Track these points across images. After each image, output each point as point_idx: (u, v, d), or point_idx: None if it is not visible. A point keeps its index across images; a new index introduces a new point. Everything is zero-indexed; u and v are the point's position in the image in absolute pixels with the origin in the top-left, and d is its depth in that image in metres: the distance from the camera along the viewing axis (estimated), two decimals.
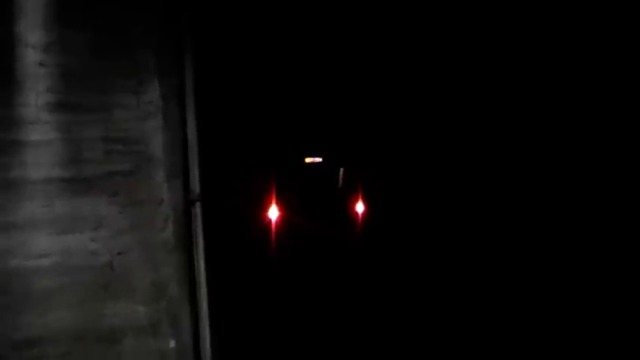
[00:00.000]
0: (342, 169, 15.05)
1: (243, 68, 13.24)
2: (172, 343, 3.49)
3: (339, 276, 11.04)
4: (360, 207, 14.59)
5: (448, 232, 12.12)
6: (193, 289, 3.78)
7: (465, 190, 12.41)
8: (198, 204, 3.94)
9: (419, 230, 12.92)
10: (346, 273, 11.32)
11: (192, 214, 3.88)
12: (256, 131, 14.31)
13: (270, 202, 13.97)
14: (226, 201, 12.80)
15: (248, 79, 13.70)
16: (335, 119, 14.98)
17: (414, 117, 14.35)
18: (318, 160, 15.13)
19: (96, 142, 3.31)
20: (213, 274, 4.04)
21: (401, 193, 14.32)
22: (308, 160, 15.14)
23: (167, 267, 3.58)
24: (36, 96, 3.11)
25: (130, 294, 3.41)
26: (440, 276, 9.88)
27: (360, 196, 14.59)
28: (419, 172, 14.09)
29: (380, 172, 14.69)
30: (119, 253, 3.38)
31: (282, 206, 14.06)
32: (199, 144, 3.95)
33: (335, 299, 9.31)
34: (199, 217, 3.94)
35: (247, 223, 13.29)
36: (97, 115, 3.33)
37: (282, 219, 13.98)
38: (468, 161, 12.29)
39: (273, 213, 13.94)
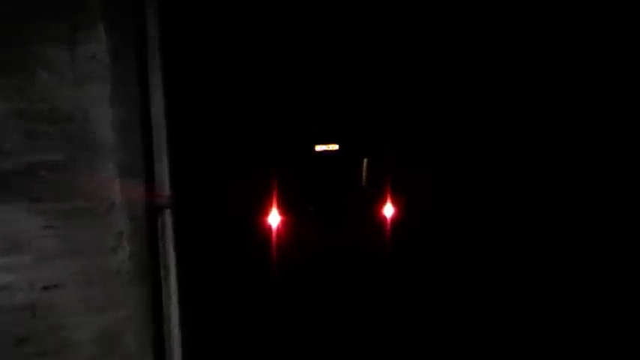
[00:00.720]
0: (365, 161, 14.63)
1: (234, 23, 13.09)
2: None
3: (359, 300, 11.30)
4: (388, 210, 14.27)
5: (504, 248, 12.52)
6: (160, 338, 3.49)
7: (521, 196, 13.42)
8: (167, 212, 3.64)
9: (468, 245, 13.00)
10: (370, 296, 11.50)
11: (158, 227, 3.60)
12: (250, 110, 14.06)
13: (270, 206, 13.72)
14: (209, 206, 12.89)
15: (241, 39, 13.54)
16: (355, 94, 14.86)
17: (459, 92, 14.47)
18: (333, 148, 14.87)
19: (7, 119, 2.91)
20: (191, 314, 3.81)
21: (447, 193, 14.06)
22: (319, 148, 14.85)
23: (121, 307, 3.28)
24: None
25: (62, 352, 2.99)
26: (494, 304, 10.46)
27: (389, 197, 14.33)
28: (474, 164, 14.16)
29: (418, 164, 14.51)
30: (46, 288, 3.06)
31: (285, 210, 13.93)
32: (169, 125, 3.65)
33: (353, 328, 9.78)
34: (169, 231, 3.65)
35: (239, 236, 13.18)
36: (8, 78, 2.93)
37: (285, 227, 13.78)
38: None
39: (274, 219, 13.81)
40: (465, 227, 13.63)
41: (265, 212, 13.76)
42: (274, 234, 13.68)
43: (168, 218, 3.65)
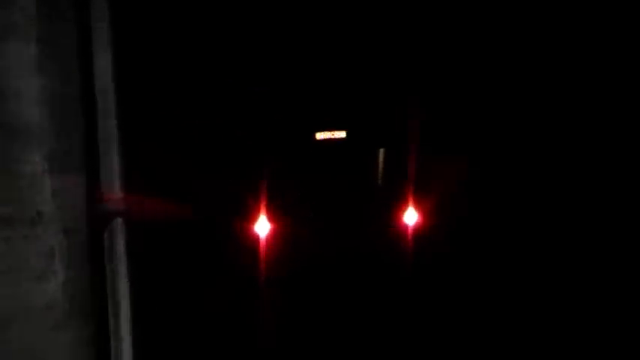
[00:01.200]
0: (381, 151, 14.43)
1: None
2: None
3: (372, 338, 11.41)
4: (410, 217, 14.06)
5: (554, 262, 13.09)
6: None
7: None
8: (118, 221, 3.57)
9: (514, 265, 13.21)
10: (386, 332, 11.59)
11: (105, 243, 3.54)
12: (232, 87, 13.81)
13: (258, 211, 13.57)
14: (175, 213, 12.81)
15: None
16: (366, 65, 14.61)
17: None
18: (339, 135, 14.65)
19: None
20: None
21: (488, 195, 13.91)
22: (320, 135, 14.68)
23: (51, 358, 3.16)
24: None
25: None
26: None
27: (412, 199, 14.09)
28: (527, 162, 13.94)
29: (450, 156, 14.26)
30: None
31: (276, 217, 13.75)
32: (121, 102, 3.56)
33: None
34: (121, 248, 3.58)
35: (216, 251, 12.93)
36: None
37: (277, 239, 13.58)
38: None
39: (262, 228, 13.58)
40: (512, 241, 13.78)
41: (251, 219, 13.57)
42: (262, 247, 13.50)
43: (119, 230, 3.57)
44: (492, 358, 10.22)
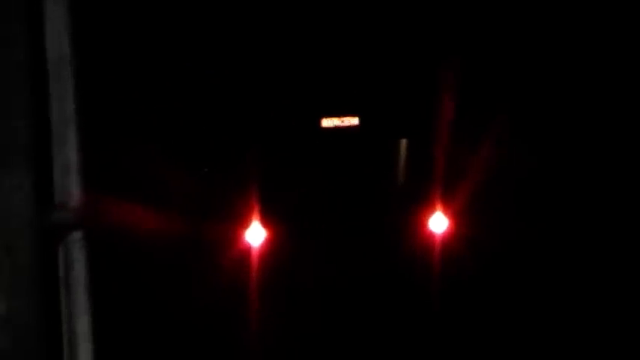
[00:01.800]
0: (403, 142, 14.40)
1: None
2: None
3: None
4: (438, 222, 14.01)
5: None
6: None
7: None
8: (75, 235, 3.35)
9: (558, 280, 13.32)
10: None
11: (60, 262, 3.33)
12: (221, 65, 13.84)
13: (250, 215, 13.60)
14: (146, 221, 12.80)
15: None
16: (383, 41, 14.44)
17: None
18: (351, 122, 14.66)
19: None
20: None
21: (532, 195, 13.91)
22: (327, 123, 14.59)
23: None
24: None
25: None
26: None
27: (440, 200, 14.05)
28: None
29: (487, 149, 14.21)
30: None
31: (273, 220, 13.70)
32: (81, 80, 3.33)
33: None
34: (79, 268, 3.35)
35: (200, 266, 12.90)
36: None
37: (272, 248, 13.60)
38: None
39: (255, 235, 13.54)
40: (556, 252, 13.84)
41: (242, 226, 13.62)
42: (255, 260, 13.53)
43: (77, 246, 3.34)
44: None
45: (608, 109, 14.58)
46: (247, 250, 13.55)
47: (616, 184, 14.27)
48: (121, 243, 11.11)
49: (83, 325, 3.40)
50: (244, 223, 13.65)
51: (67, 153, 3.37)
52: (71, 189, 3.37)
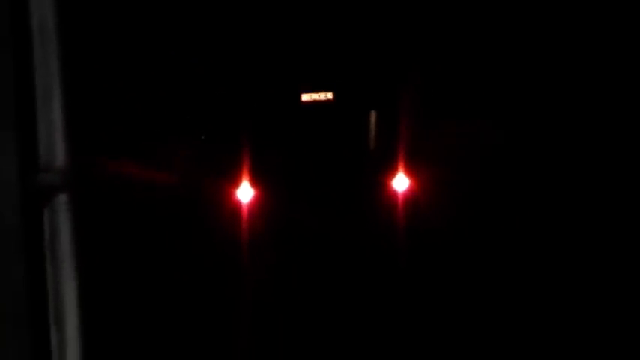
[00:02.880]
0: (372, 113, 14.02)
1: None
2: None
3: (356, 304, 11.74)
4: (400, 181, 13.64)
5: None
6: None
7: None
8: (61, 198, 2.75)
9: (506, 233, 13.09)
10: (371, 298, 11.88)
11: (45, 227, 2.74)
12: (206, 39, 13.43)
13: (241, 175, 13.23)
14: (140, 178, 12.37)
15: None
16: (356, 20, 14.05)
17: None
18: (327, 96, 14.20)
19: None
20: None
21: (488, 160, 13.61)
22: (306, 97, 14.13)
23: None
24: None
25: None
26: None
27: (403, 164, 13.68)
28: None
29: (447, 118, 13.93)
30: None
31: (260, 180, 13.36)
32: (64, 36, 2.72)
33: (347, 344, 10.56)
34: (65, 234, 2.75)
35: (196, 220, 12.67)
36: None
37: (259, 204, 13.24)
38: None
39: (244, 193, 13.17)
40: (507, 208, 13.55)
41: (234, 185, 13.29)
42: (245, 215, 13.15)
43: (64, 210, 2.73)
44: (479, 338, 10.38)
45: (570, 85, 14.00)
46: (238, 205, 13.24)
47: (570, 160, 13.86)
48: (111, 204, 10.48)
49: (70, 290, 2.73)
50: (236, 184, 13.31)
51: (52, 114, 2.69)
52: (57, 150, 2.72)
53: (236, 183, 13.28)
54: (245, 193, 13.26)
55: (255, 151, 13.51)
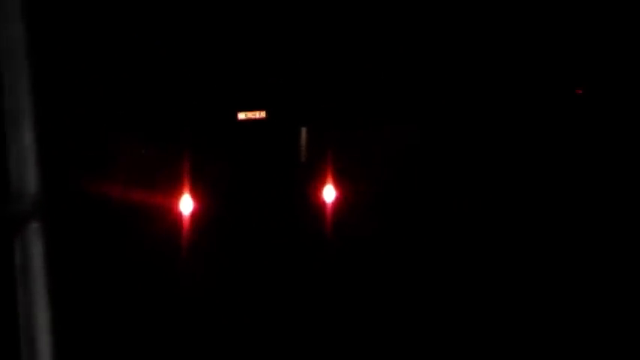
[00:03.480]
0: (302, 130, 13.72)
1: None
2: None
3: (290, 307, 11.50)
4: (329, 191, 13.33)
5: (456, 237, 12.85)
6: None
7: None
8: (33, 225, 2.44)
9: (429, 238, 12.89)
10: (304, 301, 11.66)
11: (16, 259, 2.44)
12: (151, 67, 12.94)
13: (182, 187, 12.80)
14: (103, 211, 11.80)
15: None
16: (286, 44, 13.71)
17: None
18: (260, 115, 13.81)
19: None
20: None
21: (408, 171, 13.33)
22: (241, 115, 13.77)
23: None
24: None
25: None
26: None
27: (331, 175, 13.37)
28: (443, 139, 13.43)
29: (370, 133, 13.63)
30: None
31: (200, 192, 12.87)
32: (35, 55, 2.42)
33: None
34: (38, 263, 2.44)
35: (140, 232, 12.21)
36: None
37: (199, 214, 12.79)
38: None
39: (185, 204, 12.71)
40: (428, 213, 13.38)
41: (175, 197, 12.81)
42: (186, 225, 12.71)
43: (34, 238, 2.41)
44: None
45: (483, 86, 13.67)
46: (179, 216, 12.86)
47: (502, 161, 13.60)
48: (83, 230, 9.97)
49: (42, 317, 2.42)
50: (177, 195, 12.82)
51: (22, 141, 2.39)
52: (27, 178, 2.41)
53: (177, 195, 12.93)
54: (186, 204, 12.90)
55: (196, 165, 13.14)
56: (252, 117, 13.87)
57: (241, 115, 13.84)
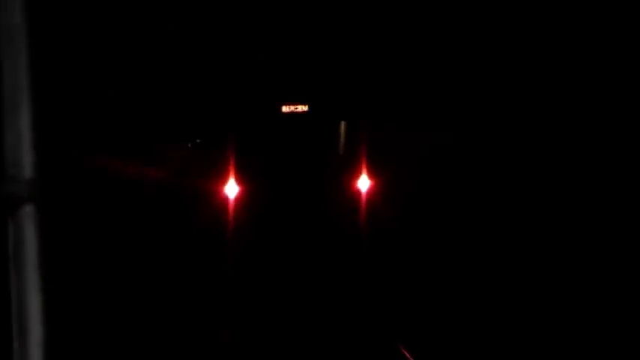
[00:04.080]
0: (341, 123, 13.54)
1: None
2: None
3: (327, 283, 11.16)
4: (363, 181, 13.12)
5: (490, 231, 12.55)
6: None
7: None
8: (26, 210, 2.16)
9: (453, 229, 12.77)
10: (339, 279, 11.32)
11: (10, 238, 2.15)
12: (199, 58, 12.85)
13: (228, 173, 12.67)
14: (103, 191, 11.59)
15: None
16: (329, 44, 13.54)
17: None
18: (303, 108, 13.62)
19: None
20: None
21: (439, 164, 13.16)
22: (286, 109, 13.55)
23: None
24: None
25: None
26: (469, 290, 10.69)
27: (365, 165, 13.20)
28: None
29: (405, 128, 13.44)
30: None
31: (244, 178, 12.78)
32: (33, 37, 2.14)
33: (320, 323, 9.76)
34: (31, 245, 2.16)
35: (189, 212, 12.11)
36: None
37: (244, 198, 12.62)
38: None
39: (231, 189, 12.59)
40: (452, 208, 13.30)
41: (223, 182, 12.78)
42: (231, 206, 12.62)
43: (28, 221, 2.14)
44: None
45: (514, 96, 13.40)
46: (226, 199, 12.67)
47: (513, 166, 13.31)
48: (78, 214, 9.58)
49: (33, 304, 2.19)
50: (224, 181, 12.71)
51: (19, 123, 2.14)
52: (23, 160, 2.20)
53: (224, 180, 12.76)
54: (231, 189, 12.74)
55: (243, 152, 12.98)
56: (296, 110, 13.79)
57: (285, 108, 13.76)
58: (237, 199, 12.75)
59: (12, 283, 2.13)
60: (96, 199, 11.08)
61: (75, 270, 8.60)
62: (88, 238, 10.32)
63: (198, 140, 13.24)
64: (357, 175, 13.29)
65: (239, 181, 12.89)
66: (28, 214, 2.11)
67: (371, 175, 13.36)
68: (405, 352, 9.02)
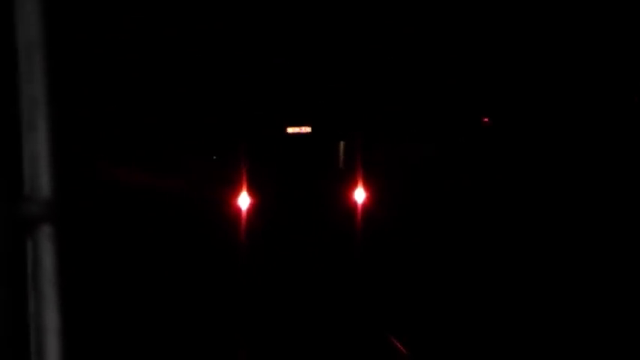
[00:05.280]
0: (340, 143, 13.26)
1: None
2: None
3: (326, 288, 10.82)
4: (359, 193, 12.83)
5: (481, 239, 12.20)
6: None
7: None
8: (46, 229, 1.83)
9: (444, 236, 12.50)
10: (337, 283, 11.04)
11: (29, 260, 1.85)
12: (214, 83, 12.73)
13: (241, 187, 12.39)
14: (119, 210, 11.04)
15: None
16: (329, 74, 13.32)
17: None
18: (306, 130, 13.35)
19: None
20: None
21: (427, 179, 12.87)
22: (291, 130, 13.27)
23: None
24: None
25: None
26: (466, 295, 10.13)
27: (362, 181, 12.91)
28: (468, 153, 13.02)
29: (396, 146, 13.19)
30: None
31: (255, 191, 12.53)
32: (52, 59, 1.81)
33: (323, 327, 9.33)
34: (48, 264, 1.83)
35: (204, 223, 11.88)
36: None
37: (254, 208, 12.35)
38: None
39: (243, 200, 12.30)
40: (444, 218, 13.06)
41: (235, 194, 12.51)
42: (244, 217, 12.35)
43: (46, 241, 1.82)
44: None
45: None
46: (239, 210, 12.40)
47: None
48: (95, 235, 9.11)
49: (51, 322, 1.91)
50: (237, 193, 12.46)
51: (37, 141, 1.85)
52: (41, 180, 1.90)
53: (237, 193, 12.52)
54: (244, 200, 12.46)
55: (252, 169, 12.74)
56: (300, 131, 13.56)
57: (291, 130, 13.51)
58: (249, 209, 12.47)
59: (30, 301, 1.84)
60: (114, 214, 10.66)
61: (93, 288, 7.98)
62: (107, 255, 9.83)
63: (214, 157, 13.00)
64: (354, 186, 13.08)
65: (251, 193, 12.62)
66: (46, 233, 1.81)
67: (366, 186, 13.18)
68: (396, 342, 8.73)
